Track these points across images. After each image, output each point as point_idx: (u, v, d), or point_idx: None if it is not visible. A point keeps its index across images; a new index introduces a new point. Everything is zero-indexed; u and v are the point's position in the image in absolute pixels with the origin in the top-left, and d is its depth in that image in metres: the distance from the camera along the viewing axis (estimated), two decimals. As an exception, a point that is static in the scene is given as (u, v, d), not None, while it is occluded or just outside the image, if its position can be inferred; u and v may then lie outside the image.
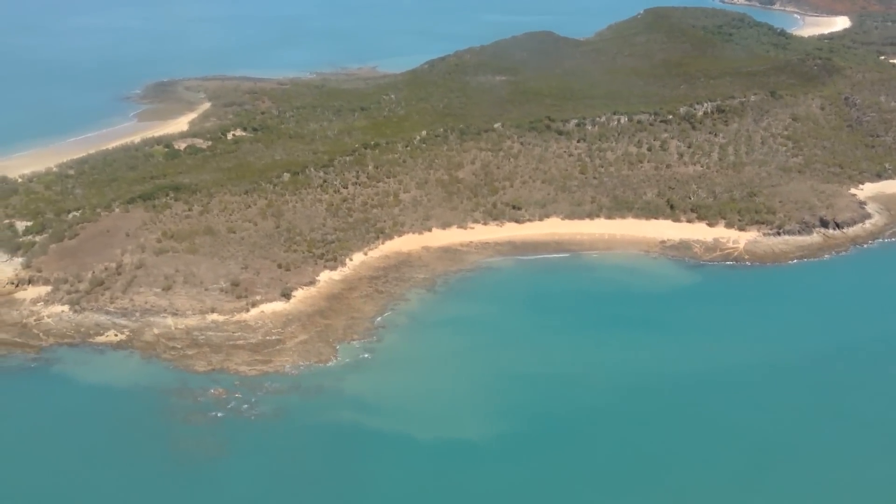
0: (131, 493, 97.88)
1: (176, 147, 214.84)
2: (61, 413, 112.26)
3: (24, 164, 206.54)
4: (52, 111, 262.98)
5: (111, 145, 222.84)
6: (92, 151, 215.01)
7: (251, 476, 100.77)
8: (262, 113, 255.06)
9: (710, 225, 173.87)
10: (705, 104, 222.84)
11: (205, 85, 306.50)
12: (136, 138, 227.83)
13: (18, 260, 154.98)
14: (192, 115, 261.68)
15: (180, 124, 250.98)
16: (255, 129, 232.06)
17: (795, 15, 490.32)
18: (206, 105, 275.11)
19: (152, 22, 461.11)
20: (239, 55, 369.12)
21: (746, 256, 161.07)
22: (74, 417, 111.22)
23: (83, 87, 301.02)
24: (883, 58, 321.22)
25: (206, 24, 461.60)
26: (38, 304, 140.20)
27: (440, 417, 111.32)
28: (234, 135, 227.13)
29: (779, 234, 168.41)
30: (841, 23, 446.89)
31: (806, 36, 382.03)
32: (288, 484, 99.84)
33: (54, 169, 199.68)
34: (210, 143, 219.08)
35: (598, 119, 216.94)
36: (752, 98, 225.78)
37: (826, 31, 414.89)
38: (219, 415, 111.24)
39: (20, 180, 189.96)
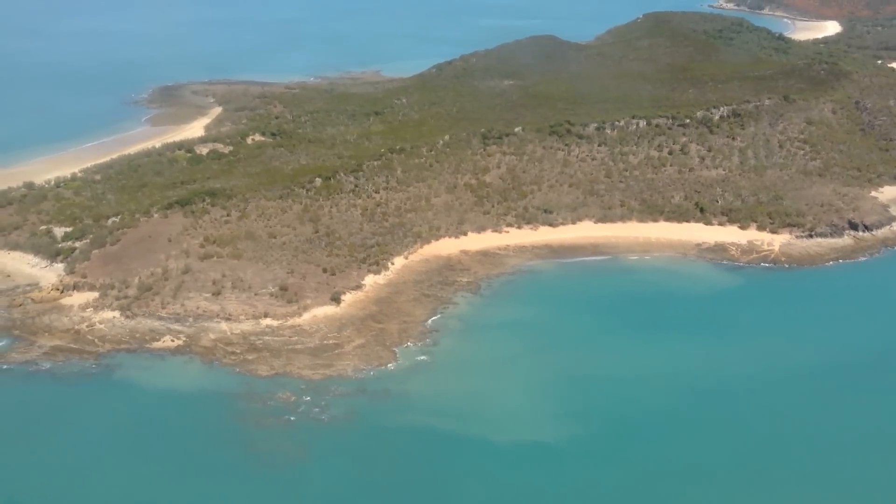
0: (218, 498, 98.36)
1: (198, 152, 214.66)
2: (134, 418, 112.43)
3: (45, 170, 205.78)
4: (63, 116, 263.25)
5: (130, 150, 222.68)
6: (114, 157, 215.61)
7: (334, 479, 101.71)
8: (277, 117, 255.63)
9: (742, 228, 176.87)
10: (721, 108, 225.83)
11: (212, 89, 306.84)
12: (155, 143, 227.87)
13: (59, 266, 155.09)
14: (206, 120, 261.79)
15: (195, 129, 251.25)
16: (273, 134, 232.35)
17: (786, 19, 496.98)
18: (218, 109, 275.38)
19: (148, 25, 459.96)
20: (240, 59, 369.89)
21: (783, 258, 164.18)
22: (148, 422, 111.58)
23: (89, 91, 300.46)
24: (880, 62, 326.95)
25: (202, 28, 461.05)
26: (88, 310, 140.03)
27: (511, 420, 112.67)
28: (253, 139, 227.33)
29: (811, 236, 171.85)
30: (831, 27, 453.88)
31: (800, 40, 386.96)
32: (372, 486, 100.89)
33: (79, 174, 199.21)
34: (231, 147, 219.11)
35: (616, 123, 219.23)
36: (767, 102, 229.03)
37: (819, 35, 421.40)
38: (292, 418, 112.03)
39: (47, 186, 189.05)
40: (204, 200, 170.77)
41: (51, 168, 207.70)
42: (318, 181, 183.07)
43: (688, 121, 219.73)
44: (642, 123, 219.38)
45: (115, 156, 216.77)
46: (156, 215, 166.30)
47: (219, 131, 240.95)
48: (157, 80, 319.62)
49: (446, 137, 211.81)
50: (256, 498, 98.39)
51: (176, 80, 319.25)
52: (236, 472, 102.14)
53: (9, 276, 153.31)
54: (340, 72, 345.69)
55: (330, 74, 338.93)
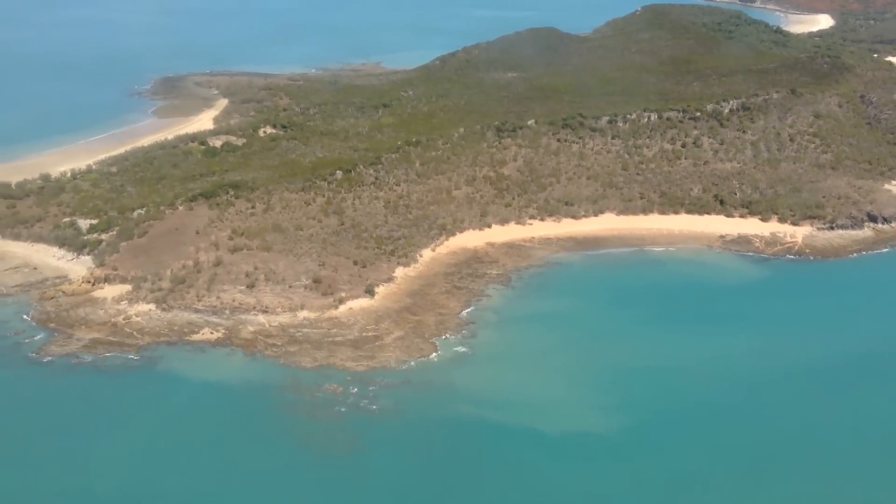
0: (280, 487, 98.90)
1: (212, 144, 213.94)
2: (186, 410, 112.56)
3: (56, 161, 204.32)
4: (68, 107, 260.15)
5: (140, 142, 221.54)
6: (126, 149, 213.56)
7: (391, 468, 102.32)
8: (284, 110, 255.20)
9: (764, 220, 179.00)
10: (731, 102, 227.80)
11: (214, 80, 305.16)
12: (165, 135, 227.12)
13: (86, 258, 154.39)
14: (213, 112, 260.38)
15: (203, 121, 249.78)
16: (283, 126, 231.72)
17: (778, 13, 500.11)
18: (223, 101, 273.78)
19: (141, 15, 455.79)
20: (238, 49, 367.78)
21: (808, 250, 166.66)
22: (201, 413, 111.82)
23: (90, 82, 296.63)
24: (876, 56, 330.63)
25: (196, 18, 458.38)
26: (123, 303, 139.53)
27: (560, 411, 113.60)
28: (265, 131, 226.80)
29: (832, 228, 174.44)
30: (824, 21, 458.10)
31: (797, 33, 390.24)
32: (428, 474, 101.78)
33: (94, 166, 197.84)
34: (245, 140, 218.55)
35: (628, 116, 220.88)
36: (775, 96, 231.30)
37: (813, 28, 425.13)
38: (342, 409, 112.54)
39: (64, 178, 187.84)
40: (228, 193, 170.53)
41: (62, 160, 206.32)
42: (339, 174, 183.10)
43: (698, 114, 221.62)
44: (654, 116, 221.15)
45: (126, 148, 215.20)
46: (181, 208, 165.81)
47: (229, 123, 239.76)
48: (158, 70, 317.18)
49: (461, 130, 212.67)
50: (319, 487, 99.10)
51: (177, 72, 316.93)
52: (296, 462, 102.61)
53: (35, 268, 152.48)
54: (341, 63, 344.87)
55: (331, 66, 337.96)
